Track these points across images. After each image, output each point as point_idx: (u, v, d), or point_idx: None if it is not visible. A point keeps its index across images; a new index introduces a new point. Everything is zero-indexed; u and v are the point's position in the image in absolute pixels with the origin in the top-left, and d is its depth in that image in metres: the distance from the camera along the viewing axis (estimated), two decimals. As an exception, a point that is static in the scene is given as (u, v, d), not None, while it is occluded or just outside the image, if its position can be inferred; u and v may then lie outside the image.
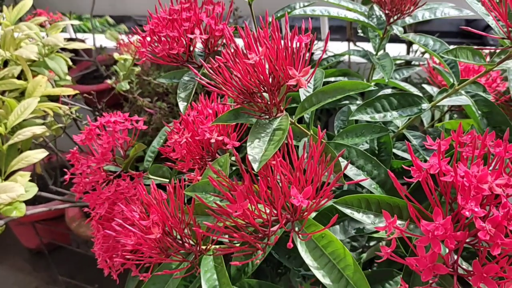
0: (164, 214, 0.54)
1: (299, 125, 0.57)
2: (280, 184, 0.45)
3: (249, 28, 0.50)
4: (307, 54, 0.48)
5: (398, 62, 1.04)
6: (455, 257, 0.41)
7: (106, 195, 0.72)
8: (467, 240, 0.42)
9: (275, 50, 0.46)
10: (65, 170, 0.80)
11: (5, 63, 1.40)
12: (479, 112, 0.55)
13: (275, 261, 0.79)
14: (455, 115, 0.87)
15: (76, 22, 1.55)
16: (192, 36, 0.65)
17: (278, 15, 0.83)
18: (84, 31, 2.84)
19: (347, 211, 0.46)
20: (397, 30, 0.74)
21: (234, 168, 0.71)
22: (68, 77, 1.46)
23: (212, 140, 0.63)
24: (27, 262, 2.11)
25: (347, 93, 0.52)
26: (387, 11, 0.75)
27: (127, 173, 0.78)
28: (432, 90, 0.85)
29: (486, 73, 0.56)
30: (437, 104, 0.65)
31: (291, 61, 0.47)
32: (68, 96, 1.42)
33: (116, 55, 1.33)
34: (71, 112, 1.35)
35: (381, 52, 0.81)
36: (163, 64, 0.67)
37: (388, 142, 0.62)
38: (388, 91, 0.79)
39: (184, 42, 0.66)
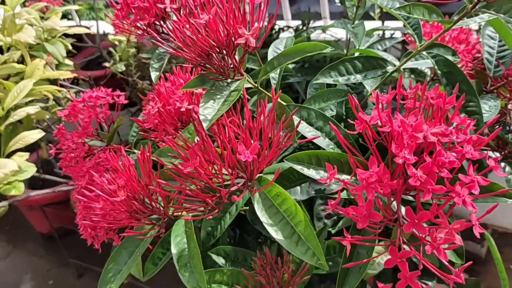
0: (129, 178, 0.55)
1: (262, 89, 0.58)
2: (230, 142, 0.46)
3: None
4: (262, 16, 0.48)
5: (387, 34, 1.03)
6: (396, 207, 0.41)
7: (86, 167, 0.74)
8: (411, 193, 0.43)
9: (226, 10, 0.47)
10: (50, 145, 0.83)
11: (9, 49, 1.44)
12: (439, 72, 0.55)
13: (255, 232, 0.80)
14: (437, 83, 0.86)
15: (76, 7, 1.57)
16: (162, 6, 0.66)
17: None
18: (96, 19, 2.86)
19: (298, 167, 0.47)
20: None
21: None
22: (69, 62, 1.49)
23: (182, 109, 0.64)
24: (41, 246, 2.17)
25: (306, 54, 0.52)
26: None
27: (110, 147, 0.80)
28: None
29: (446, 31, 0.55)
30: (421, 71, 0.65)
31: (243, 22, 0.48)
32: (68, 80, 1.45)
33: (110, 37, 1.35)
34: (71, 95, 1.37)
35: (357, 21, 0.81)
36: (131, 34, 0.68)
37: (355, 107, 0.62)
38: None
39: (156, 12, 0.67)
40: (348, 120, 0.64)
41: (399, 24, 1.42)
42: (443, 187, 0.37)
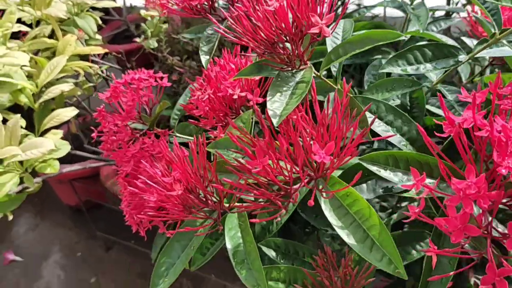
0: (186, 171, 0.53)
1: (325, 79, 0.54)
2: (301, 140, 0.43)
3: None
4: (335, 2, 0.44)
5: (436, 13, 0.97)
6: (489, 218, 0.38)
7: (131, 153, 0.71)
8: (503, 201, 0.39)
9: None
10: (92, 128, 0.81)
11: (38, 23, 1.41)
12: (523, 62, 0.50)
13: (303, 221, 0.78)
14: (496, 69, 0.81)
15: (105, -20, 1.53)
16: (213, -14, 0.62)
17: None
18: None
19: (373, 168, 0.44)
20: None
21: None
22: (98, 36, 1.46)
23: (235, 96, 0.61)
24: (68, 218, 2.20)
25: (376, 44, 0.48)
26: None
27: (153, 131, 0.78)
28: (472, 43, 0.79)
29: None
30: (477, 57, 0.60)
31: (314, 9, 0.44)
32: (99, 55, 1.43)
33: (143, 12, 1.31)
34: (102, 71, 1.35)
35: (416, 1, 0.75)
36: (184, 16, 0.65)
37: (421, 97, 0.58)
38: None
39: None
40: (414, 111, 0.60)
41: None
42: (550, 200, 0.34)
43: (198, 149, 0.54)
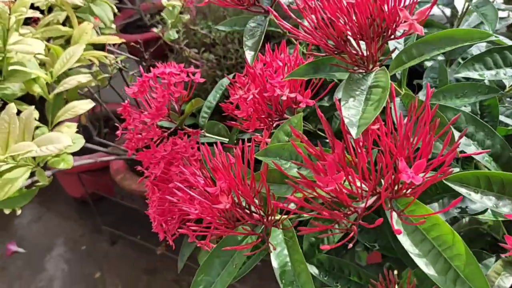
0: (233, 181, 0.47)
1: (394, 85, 0.48)
2: (383, 154, 0.37)
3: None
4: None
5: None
6: None
7: (161, 154, 0.65)
8: None
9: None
10: (116, 124, 0.75)
11: (50, 9, 1.35)
12: None
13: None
14: None
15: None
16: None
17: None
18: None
19: (463, 190, 0.38)
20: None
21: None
22: (113, 25, 1.40)
23: (283, 97, 0.55)
24: (74, 210, 2.14)
25: (459, 44, 0.42)
26: None
27: (182, 130, 0.72)
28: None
29: None
30: None
31: (400, 2, 0.38)
32: (114, 45, 1.36)
33: (164, 1, 1.24)
34: (117, 62, 1.29)
35: (478, -1, 0.69)
36: (226, 6, 0.59)
37: (494, 106, 0.52)
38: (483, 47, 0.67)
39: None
40: (485, 120, 0.54)
41: None
42: None
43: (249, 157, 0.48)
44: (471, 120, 0.44)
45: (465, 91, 0.51)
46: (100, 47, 1.29)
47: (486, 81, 0.56)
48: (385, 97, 0.39)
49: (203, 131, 0.73)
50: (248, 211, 0.50)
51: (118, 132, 0.72)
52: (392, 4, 0.37)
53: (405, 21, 0.37)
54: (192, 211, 0.48)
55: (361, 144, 0.37)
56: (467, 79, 0.50)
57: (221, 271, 0.51)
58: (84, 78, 1.01)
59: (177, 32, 1.38)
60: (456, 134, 0.44)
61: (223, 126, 0.77)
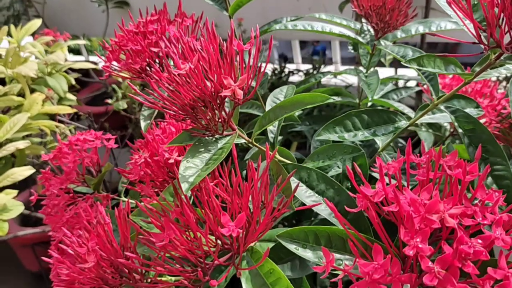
0: (101, 240, 0.48)
1: (258, 145, 0.51)
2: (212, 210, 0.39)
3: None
4: (252, 63, 0.42)
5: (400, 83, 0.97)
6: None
7: (66, 218, 0.67)
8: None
9: (209, 59, 0.41)
10: (32, 191, 0.77)
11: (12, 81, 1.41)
12: (461, 130, 0.48)
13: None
14: (457, 141, 0.79)
15: (84, 42, 1.55)
16: (155, 50, 0.61)
17: (263, 29, 0.79)
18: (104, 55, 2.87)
19: (291, 246, 0.39)
20: (384, 44, 0.67)
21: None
22: (72, 97, 1.45)
23: (171, 161, 0.58)
24: (29, 285, 2.08)
25: (305, 106, 0.46)
26: (373, 25, 0.69)
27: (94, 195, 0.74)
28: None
29: (466, 84, 0.49)
30: (441, 126, 0.58)
31: (231, 72, 0.42)
32: (68, 115, 1.41)
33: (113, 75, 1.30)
34: (70, 131, 1.33)
35: (371, 70, 0.75)
36: (124, 78, 0.63)
37: (364, 165, 0.55)
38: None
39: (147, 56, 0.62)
40: (356, 179, 0.56)
41: (414, 72, 1.37)
42: (467, 286, 0.30)
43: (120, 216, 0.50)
44: (322, 178, 0.47)
45: (334, 151, 0.54)
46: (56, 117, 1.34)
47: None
48: (222, 156, 0.42)
49: (115, 194, 0.75)
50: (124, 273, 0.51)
51: (32, 198, 0.74)
52: (219, 73, 0.41)
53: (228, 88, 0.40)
54: (62, 271, 0.49)
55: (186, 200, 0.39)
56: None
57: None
58: (23, 144, 1.04)
59: (132, 103, 1.44)
60: (308, 189, 0.47)
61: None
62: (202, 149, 0.44)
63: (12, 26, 1.45)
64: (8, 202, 1.02)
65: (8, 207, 1.03)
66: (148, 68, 0.64)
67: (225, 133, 0.46)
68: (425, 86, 0.86)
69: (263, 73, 0.42)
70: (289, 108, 0.47)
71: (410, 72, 1.36)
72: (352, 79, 1.37)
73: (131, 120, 1.59)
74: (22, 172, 1.05)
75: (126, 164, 0.83)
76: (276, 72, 1.52)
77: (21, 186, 1.23)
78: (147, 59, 0.63)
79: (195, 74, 0.41)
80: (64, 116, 1.38)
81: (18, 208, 1.04)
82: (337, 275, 0.68)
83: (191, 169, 0.42)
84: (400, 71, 1.37)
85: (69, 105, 1.38)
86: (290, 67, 1.64)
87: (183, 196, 0.41)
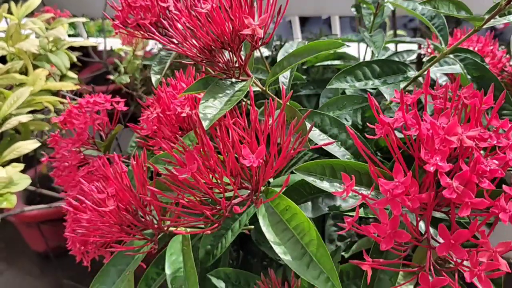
0: (120, 186, 0.49)
1: (271, 94, 0.52)
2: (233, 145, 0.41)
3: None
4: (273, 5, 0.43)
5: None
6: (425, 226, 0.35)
7: (78, 176, 0.68)
8: (443, 209, 0.36)
9: (231, -2, 0.42)
10: (42, 153, 0.78)
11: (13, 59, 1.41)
12: (469, 76, 0.49)
13: (260, 254, 0.74)
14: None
15: (83, 19, 1.55)
16: (165, 5, 0.62)
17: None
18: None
19: (309, 178, 0.41)
20: (389, 3, 0.68)
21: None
22: (73, 75, 1.45)
23: (183, 114, 0.59)
24: (36, 265, 2.10)
25: (320, 52, 0.47)
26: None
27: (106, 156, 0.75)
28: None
29: (475, 32, 0.50)
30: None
31: (250, 13, 0.43)
32: (71, 92, 1.41)
33: (116, 48, 1.31)
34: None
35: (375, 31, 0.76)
36: (133, 36, 0.64)
37: (373, 117, 0.56)
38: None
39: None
40: (366, 130, 0.58)
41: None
42: (484, 200, 0.31)
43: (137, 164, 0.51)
44: (335, 123, 0.48)
45: (344, 102, 0.55)
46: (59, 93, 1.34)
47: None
48: (240, 97, 0.43)
49: (125, 157, 0.76)
50: (143, 218, 0.52)
51: (43, 159, 0.75)
52: (240, 13, 0.42)
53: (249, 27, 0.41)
54: (83, 217, 0.50)
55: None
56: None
57: (116, 279, 0.53)
58: (25, 118, 1.05)
59: (134, 79, 1.44)
60: (321, 133, 0.48)
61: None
62: (220, 93, 0.45)
63: (12, 3, 1.45)
64: (15, 175, 1.03)
65: (15, 180, 1.04)
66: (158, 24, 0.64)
67: (241, 77, 0.47)
68: (427, 48, 0.87)
69: (282, 15, 0.43)
70: (304, 55, 0.48)
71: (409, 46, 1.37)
72: (353, 51, 1.38)
73: (133, 98, 1.60)
74: (28, 145, 1.05)
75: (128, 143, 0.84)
76: (276, 48, 1.53)
77: (25, 166, 1.24)
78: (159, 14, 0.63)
79: (216, 14, 0.42)
80: (68, 93, 1.38)
81: (25, 181, 1.05)
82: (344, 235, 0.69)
83: (211, 108, 0.43)
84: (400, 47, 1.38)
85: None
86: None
87: (202, 135, 0.42)
